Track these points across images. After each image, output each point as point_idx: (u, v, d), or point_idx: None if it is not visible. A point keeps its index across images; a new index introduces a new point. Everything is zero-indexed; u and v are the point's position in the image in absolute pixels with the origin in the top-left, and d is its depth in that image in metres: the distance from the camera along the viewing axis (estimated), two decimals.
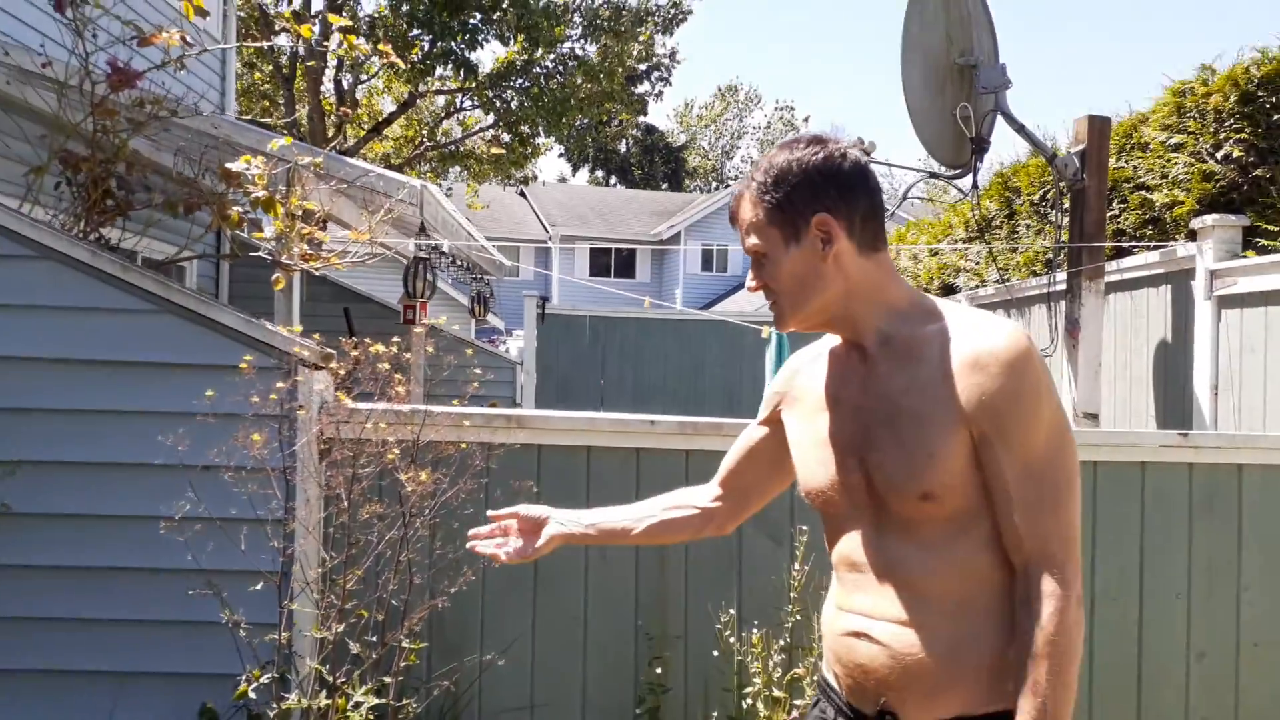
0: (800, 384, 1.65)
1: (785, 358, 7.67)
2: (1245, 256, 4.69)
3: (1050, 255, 6.08)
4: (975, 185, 5.54)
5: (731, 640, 3.19)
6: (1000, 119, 5.27)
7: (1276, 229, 4.69)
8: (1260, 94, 4.81)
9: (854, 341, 1.54)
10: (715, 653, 3.24)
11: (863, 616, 1.48)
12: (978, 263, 7.27)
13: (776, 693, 3.07)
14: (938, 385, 1.41)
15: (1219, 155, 4.93)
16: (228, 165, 3.82)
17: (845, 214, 1.48)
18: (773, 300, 1.54)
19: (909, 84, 5.43)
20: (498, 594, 3.26)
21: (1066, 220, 5.42)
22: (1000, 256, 6.79)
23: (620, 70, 15.17)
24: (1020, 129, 5.35)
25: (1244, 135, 4.82)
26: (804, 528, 3.25)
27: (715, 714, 3.19)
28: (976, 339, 1.41)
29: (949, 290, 7.74)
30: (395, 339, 3.02)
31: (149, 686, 3.06)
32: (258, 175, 3.78)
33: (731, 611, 3.24)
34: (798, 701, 3.05)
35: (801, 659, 3.11)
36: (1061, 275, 5.46)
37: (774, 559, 3.30)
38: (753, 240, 1.51)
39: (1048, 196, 6.27)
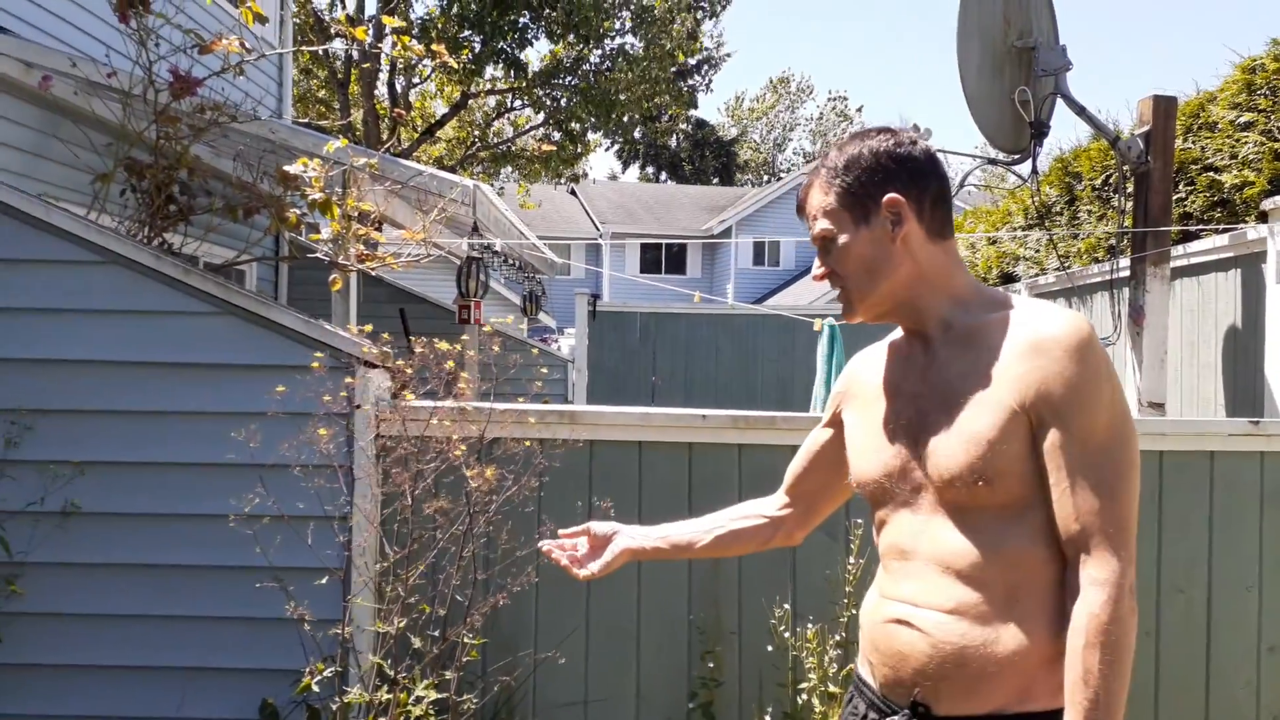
0: (860, 380, 1.66)
1: (838, 351, 7.58)
2: None
3: (1113, 241, 5.93)
4: (1035, 171, 5.42)
5: (786, 635, 3.17)
6: (1060, 102, 5.15)
7: None
8: None
9: (916, 330, 1.55)
10: (769, 648, 3.22)
11: (906, 604, 1.46)
12: (1037, 250, 7.12)
13: (832, 688, 3.04)
14: (997, 370, 1.41)
15: None
16: (285, 168, 3.90)
17: (915, 197, 1.49)
18: (840, 287, 1.55)
19: (966, 69, 5.32)
20: (552, 589, 3.28)
21: (1130, 205, 5.27)
22: (1061, 243, 6.64)
23: (668, 61, 15.13)
24: (1081, 111, 5.22)
25: None
26: (858, 522, 3.21)
27: (770, 710, 3.17)
28: (1037, 324, 1.41)
29: (1008, 279, 7.59)
30: (464, 338, 3.05)
31: (215, 681, 3.14)
32: (314, 178, 3.85)
33: (786, 606, 3.22)
34: None
35: (857, 654, 3.08)
36: (1125, 261, 5.32)
37: (829, 554, 3.27)
38: (821, 225, 1.53)
39: (1110, 181, 6.11)
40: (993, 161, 5.77)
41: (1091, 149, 6.57)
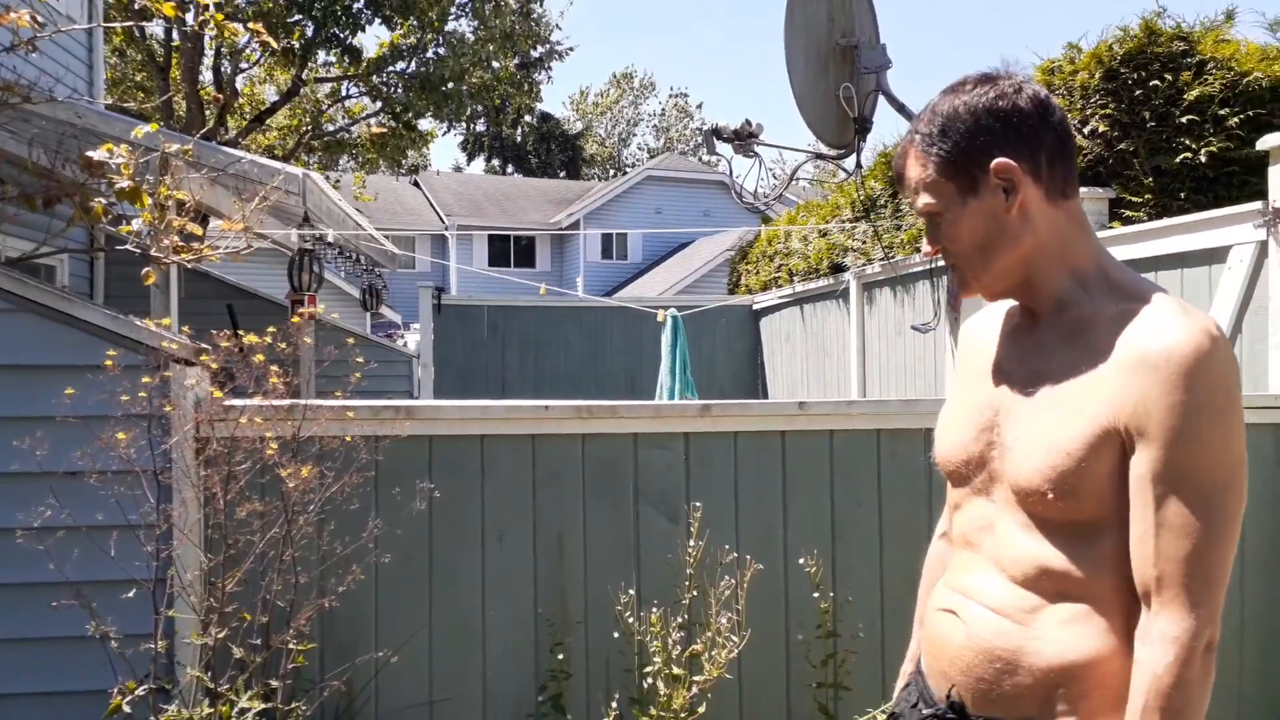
0: (972, 344, 1.51)
1: (682, 342, 7.69)
2: (1112, 227, 4.91)
3: None
4: (859, 165, 5.66)
5: (631, 621, 3.19)
6: (882, 99, 5.39)
7: (1140, 200, 4.93)
8: (1123, 70, 5.04)
9: (1030, 309, 1.40)
10: (616, 634, 3.24)
11: (959, 594, 1.39)
12: (864, 242, 7.45)
13: (676, 670, 3.09)
14: (1097, 376, 1.25)
15: (1085, 130, 5.15)
16: (89, 154, 3.62)
17: (1028, 157, 1.31)
18: (953, 265, 1.40)
19: (793, 65, 5.51)
20: (392, 590, 3.19)
21: None
22: (885, 235, 6.97)
23: (502, 47, 14.96)
24: (901, 109, 5.48)
25: (1109, 110, 5.05)
26: (697, 504, 3.27)
27: (617, 696, 3.19)
28: (1153, 332, 1.22)
29: (838, 269, 7.91)
30: (271, 329, 2.90)
31: (18, 708, 2.88)
32: (122, 165, 3.58)
33: (631, 592, 3.24)
34: (697, 678, 3.07)
35: (699, 635, 3.14)
36: None
37: (670, 538, 3.31)
38: (925, 200, 1.36)
39: None
40: (821, 156, 5.99)
41: None
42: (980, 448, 1.38)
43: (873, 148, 8.02)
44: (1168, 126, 4.87)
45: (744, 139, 5.58)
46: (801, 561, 3.32)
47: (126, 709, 2.65)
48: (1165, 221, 4.43)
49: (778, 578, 3.37)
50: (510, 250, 29.41)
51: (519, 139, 41.92)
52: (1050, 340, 1.34)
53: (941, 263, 5.46)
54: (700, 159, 36.14)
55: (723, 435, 3.41)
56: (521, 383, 9.89)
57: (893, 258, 6.76)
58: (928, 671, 1.44)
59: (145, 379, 2.79)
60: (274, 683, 2.72)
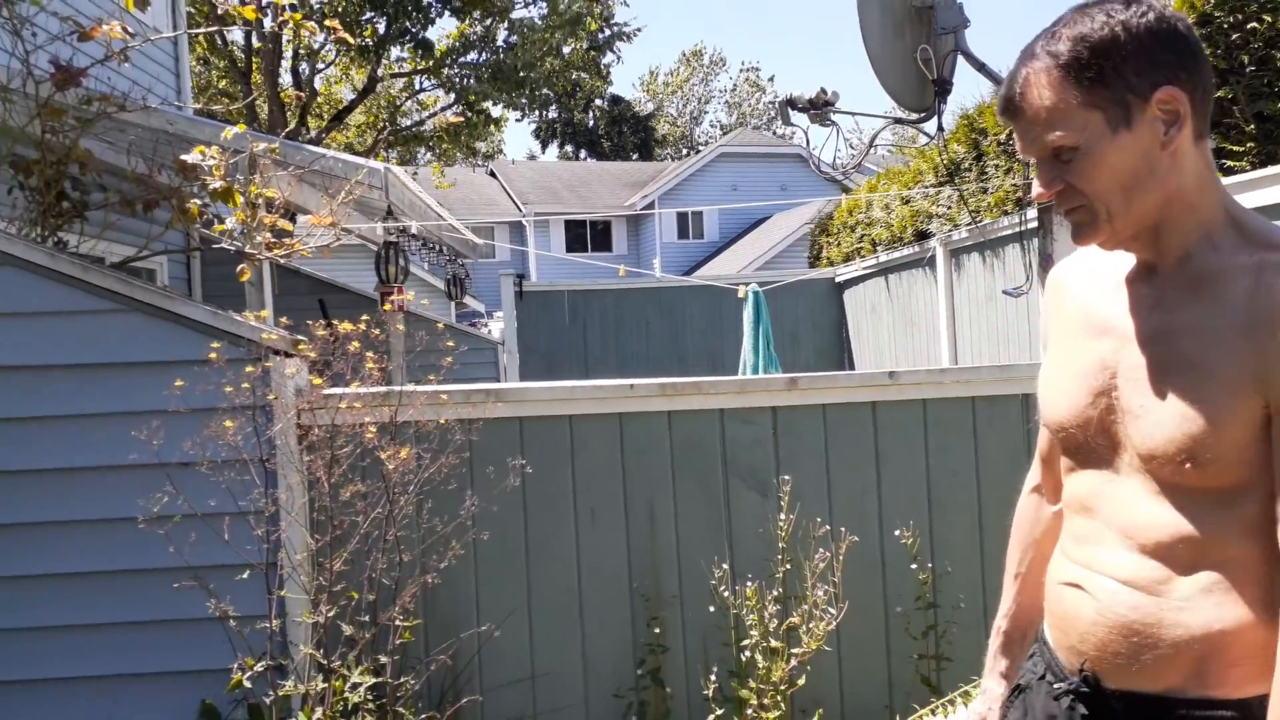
0: (1068, 294, 1.40)
1: (764, 317, 7.64)
2: None
3: (1020, 194, 6.08)
4: (941, 128, 5.50)
5: (726, 595, 3.20)
6: (961, 59, 5.23)
7: (1241, 149, 4.69)
8: (1217, 14, 4.79)
9: (1147, 261, 1.28)
10: (711, 608, 3.25)
11: (1082, 568, 1.31)
12: (949, 207, 7.26)
13: (774, 643, 3.08)
14: (1234, 335, 1.15)
15: None
16: (183, 158, 3.76)
17: (1190, 88, 1.18)
18: (1079, 206, 1.24)
19: (868, 30, 5.37)
20: (490, 567, 3.26)
21: None
22: (971, 199, 6.78)
23: (573, 31, 14.99)
24: (981, 67, 5.31)
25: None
26: (787, 478, 3.25)
27: (715, 669, 3.20)
28: None
29: (923, 236, 7.74)
30: (365, 317, 2.98)
31: (145, 687, 3.04)
32: (214, 166, 3.72)
33: (725, 566, 3.25)
34: (795, 650, 3.06)
35: (795, 608, 3.13)
36: (1033, 213, 5.45)
37: (761, 512, 3.30)
38: (1057, 133, 1.20)
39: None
40: (900, 121, 5.85)
41: (994, 104, 6.70)
42: (1098, 412, 1.27)
43: (953, 110, 7.81)
44: (1268, 70, 4.62)
45: (820, 108, 5.48)
46: (897, 533, 3.27)
47: (246, 684, 2.77)
48: (1268, 170, 4.21)
49: (873, 550, 3.33)
50: (587, 235, 29.56)
51: (591, 124, 42.04)
52: (1172, 294, 1.23)
53: (1033, 224, 5.30)
54: (775, 133, 35.72)
55: (811, 408, 3.38)
56: (604, 365, 9.95)
57: (980, 221, 6.58)
58: (1055, 645, 1.37)
59: (249, 369, 2.90)
60: (383, 658, 2.81)
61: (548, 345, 10.07)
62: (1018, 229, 5.75)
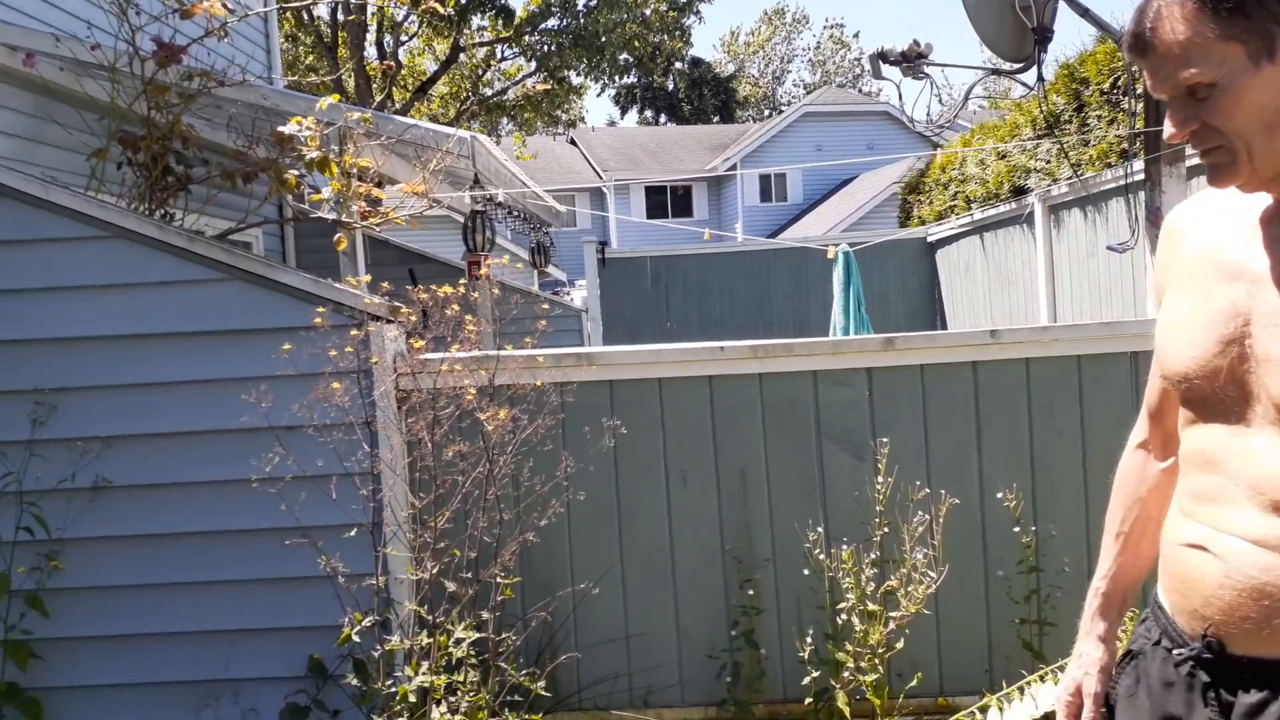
0: (1186, 241, 1.35)
1: (855, 278, 7.50)
2: None
3: (1125, 145, 5.80)
4: (1041, 79, 5.28)
5: (821, 558, 3.17)
6: (1063, 4, 5.00)
7: None
8: None
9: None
10: (805, 571, 3.23)
11: (1206, 527, 1.25)
12: (1048, 161, 6.99)
13: (871, 606, 3.05)
14: None
15: None
16: (280, 129, 3.85)
17: None
18: (1216, 147, 1.21)
19: None
20: (584, 528, 3.29)
21: (1140, 106, 5.15)
22: (1072, 151, 6.51)
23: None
24: (1085, 13, 5.07)
25: None
26: (884, 440, 3.19)
27: (810, 632, 3.19)
28: None
29: (1020, 192, 7.47)
30: (462, 280, 3.02)
31: (257, 642, 3.18)
32: (310, 136, 3.80)
33: (819, 530, 3.22)
34: (893, 614, 3.02)
35: (893, 571, 3.08)
36: (1138, 164, 5.20)
37: (857, 475, 3.25)
38: (1191, 70, 1.16)
39: (1119, 83, 5.96)
40: (997, 71, 5.64)
41: (1098, 52, 6.40)
42: (1228, 361, 1.22)
43: (1053, 60, 7.50)
44: None
45: (912, 60, 5.32)
46: (1000, 495, 3.19)
47: (356, 639, 2.87)
48: None
49: (973, 512, 3.25)
50: (667, 200, 29.43)
51: (671, 88, 41.65)
52: None
53: (1140, 176, 5.06)
54: (860, 90, 34.84)
55: (908, 369, 3.30)
56: (688, 330, 9.93)
57: (1082, 175, 6.31)
58: (1174, 609, 1.31)
59: (354, 333, 2.97)
60: (484, 615, 2.87)
61: (631, 312, 10.09)
62: (1122, 181, 5.50)
